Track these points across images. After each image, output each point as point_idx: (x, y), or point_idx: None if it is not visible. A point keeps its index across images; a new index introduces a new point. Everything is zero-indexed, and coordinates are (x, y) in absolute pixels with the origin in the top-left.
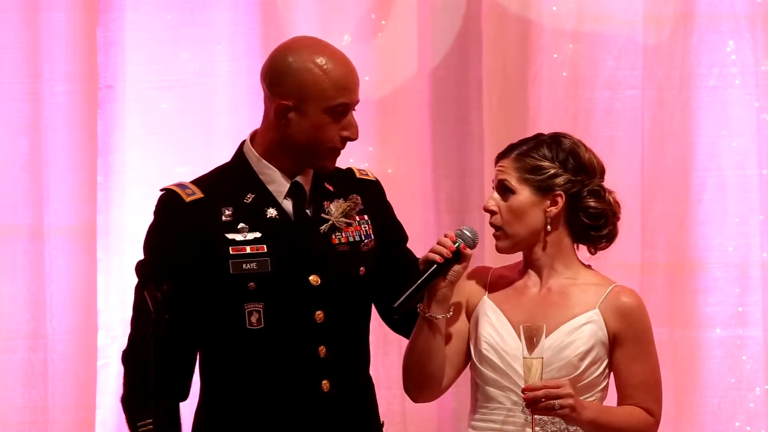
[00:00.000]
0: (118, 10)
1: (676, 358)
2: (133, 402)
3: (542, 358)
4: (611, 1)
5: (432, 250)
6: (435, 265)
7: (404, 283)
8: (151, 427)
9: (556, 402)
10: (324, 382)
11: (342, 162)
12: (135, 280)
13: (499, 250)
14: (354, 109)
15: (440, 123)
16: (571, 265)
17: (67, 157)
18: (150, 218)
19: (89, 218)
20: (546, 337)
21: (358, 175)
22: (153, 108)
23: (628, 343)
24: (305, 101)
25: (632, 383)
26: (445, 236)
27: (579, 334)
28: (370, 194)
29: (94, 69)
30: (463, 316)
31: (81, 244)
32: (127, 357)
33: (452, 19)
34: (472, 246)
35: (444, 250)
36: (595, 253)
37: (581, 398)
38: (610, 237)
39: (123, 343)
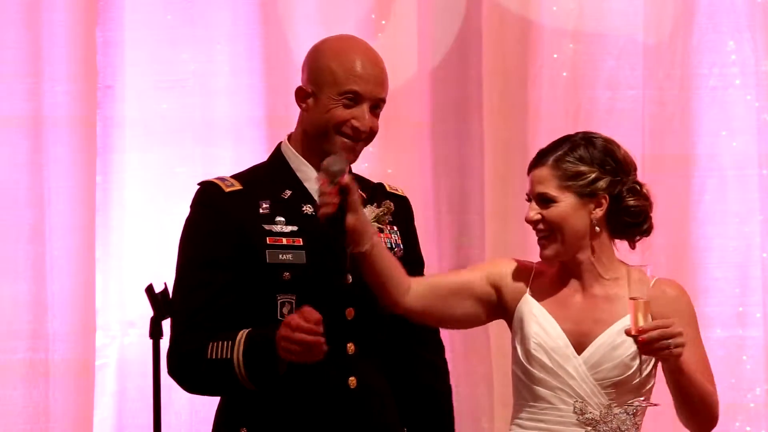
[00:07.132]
0: (118, 10)
1: None
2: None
3: (650, 301)
4: (611, 1)
5: (323, 205)
6: (337, 216)
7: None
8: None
9: (671, 341)
10: (351, 378)
11: None
12: (135, 280)
13: (546, 257)
14: (377, 107)
15: (440, 123)
16: (611, 265)
17: (67, 157)
18: (150, 218)
19: (89, 218)
20: (597, 337)
21: (388, 189)
22: (153, 108)
23: None
24: (321, 87)
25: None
26: (320, 186)
27: None
28: (399, 209)
29: (93, 69)
30: (481, 278)
31: (81, 244)
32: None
33: (452, 19)
34: (343, 173)
35: (332, 199)
36: (635, 247)
37: (631, 400)
38: (649, 230)
39: (122, 343)
